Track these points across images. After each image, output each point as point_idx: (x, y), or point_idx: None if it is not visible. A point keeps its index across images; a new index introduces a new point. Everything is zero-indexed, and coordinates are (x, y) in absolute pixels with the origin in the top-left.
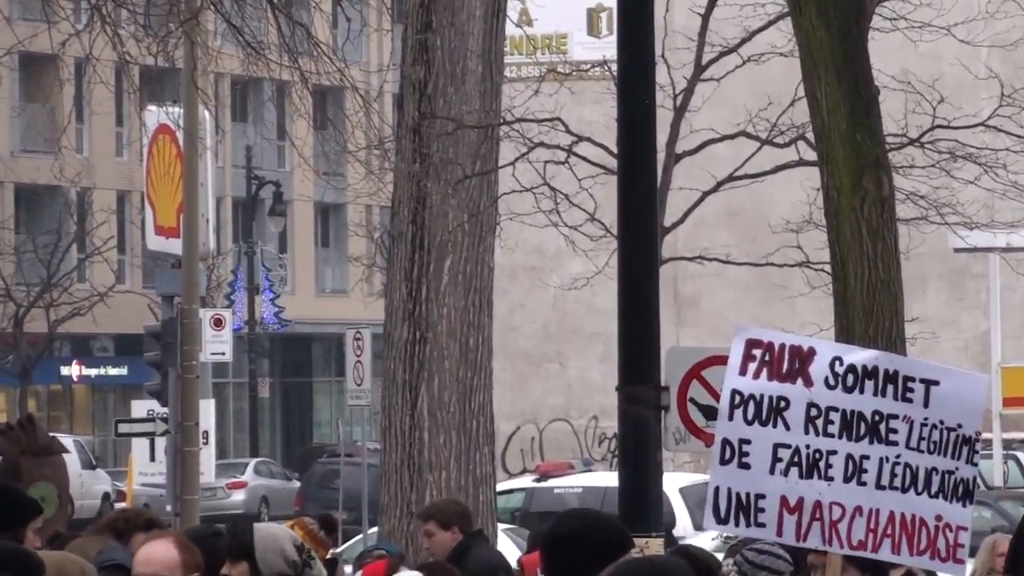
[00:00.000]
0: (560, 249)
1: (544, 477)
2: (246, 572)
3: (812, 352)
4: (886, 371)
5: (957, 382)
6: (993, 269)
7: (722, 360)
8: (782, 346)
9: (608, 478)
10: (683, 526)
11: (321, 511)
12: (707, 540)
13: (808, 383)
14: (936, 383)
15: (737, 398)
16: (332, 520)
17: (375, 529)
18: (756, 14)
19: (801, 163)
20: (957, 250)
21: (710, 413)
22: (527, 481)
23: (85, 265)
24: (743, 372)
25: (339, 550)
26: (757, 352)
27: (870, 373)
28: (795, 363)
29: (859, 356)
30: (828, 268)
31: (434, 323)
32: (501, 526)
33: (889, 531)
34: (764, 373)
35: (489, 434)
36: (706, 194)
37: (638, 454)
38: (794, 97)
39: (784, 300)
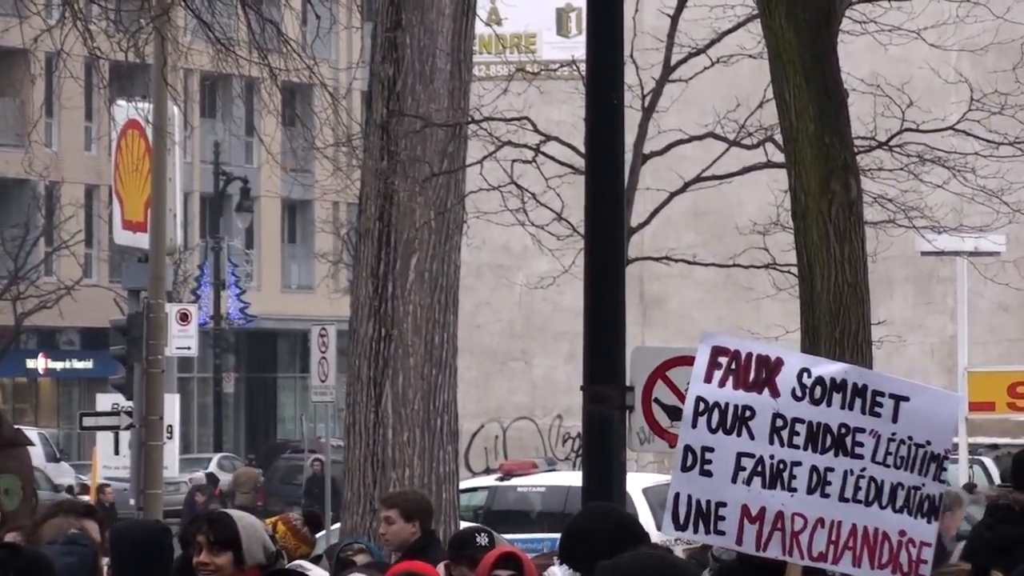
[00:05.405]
0: (527, 248)
1: (507, 476)
2: (230, 562)
3: (780, 362)
4: (855, 384)
5: (929, 399)
6: (961, 273)
7: (688, 361)
8: (748, 355)
9: (572, 477)
10: (646, 527)
11: (284, 506)
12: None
13: (775, 393)
14: (906, 399)
15: (701, 405)
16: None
17: (337, 526)
18: (725, 15)
19: (769, 165)
20: (924, 253)
21: (675, 413)
22: (490, 480)
23: (52, 258)
24: (708, 379)
25: None
26: (723, 360)
27: (838, 386)
28: (762, 372)
29: (828, 368)
30: (795, 270)
31: (399, 320)
32: (463, 524)
33: (850, 544)
34: (730, 381)
35: (453, 432)
36: (673, 195)
37: (602, 454)
38: (762, 99)
39: (750, 301)
